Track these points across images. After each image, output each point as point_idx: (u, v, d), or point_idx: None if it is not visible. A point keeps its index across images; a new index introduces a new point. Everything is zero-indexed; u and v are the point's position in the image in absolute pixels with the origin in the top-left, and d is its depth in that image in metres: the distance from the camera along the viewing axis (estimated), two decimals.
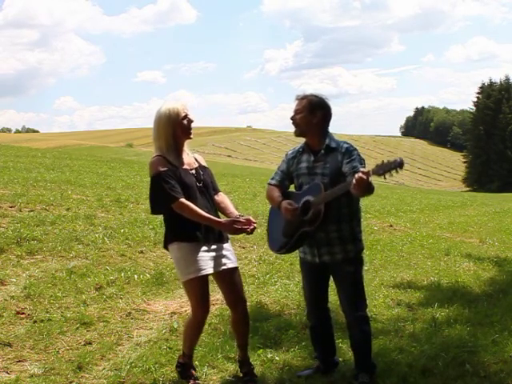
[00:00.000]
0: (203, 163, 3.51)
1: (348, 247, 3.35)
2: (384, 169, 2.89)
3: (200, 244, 3.27)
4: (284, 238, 3.40)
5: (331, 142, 3.35)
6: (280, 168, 3.55)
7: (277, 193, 3.46)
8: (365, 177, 2.86)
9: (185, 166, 3.34)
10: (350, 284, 3.39)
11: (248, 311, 3.49)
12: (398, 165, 2.87)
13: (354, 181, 2.89)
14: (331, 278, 3.53)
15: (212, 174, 3.54)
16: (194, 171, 3.38)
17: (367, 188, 2.92)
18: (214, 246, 3.33)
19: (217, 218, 3.29)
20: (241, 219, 3.23)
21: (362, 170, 2.93)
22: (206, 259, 3.27)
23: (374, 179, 2.92)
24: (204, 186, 3.39)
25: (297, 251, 3.53)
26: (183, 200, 3.20)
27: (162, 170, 3.22)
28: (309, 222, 3.23)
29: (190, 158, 3.43)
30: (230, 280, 3.39)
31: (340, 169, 3.24)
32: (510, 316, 4.78)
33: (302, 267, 3.59)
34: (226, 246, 3.41)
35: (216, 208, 3.45)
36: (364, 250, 3.52)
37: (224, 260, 3.35)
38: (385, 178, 2.93)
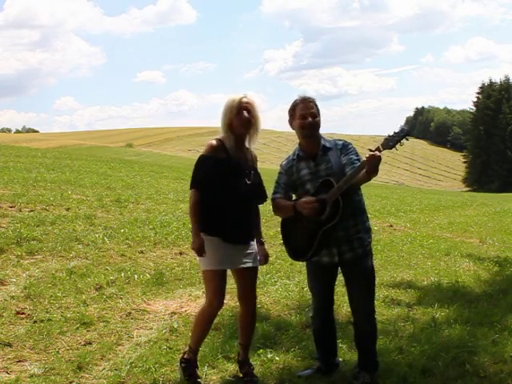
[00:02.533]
0: (255, 164, 3.52)
1: (364, 241, 3.39)
2: (393, 140, 3.00)
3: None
4: (306, 244, 3.32)
5: (325, 142, 3.39)
6: (280, 181, 3.48)
7: (286, 202, 3.40)
8: (376, 152, 2.94)
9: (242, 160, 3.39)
10: (366, 277, 3.44)
11: (256, 308, 3.55)
12: (406, 133, 2.98)
13: (365, 158, 2.95)
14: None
15: (261, 179, 3.53)
16: (247, 171, 3.41)
17: (378, 165, 2.98)
18: (238, 245, 3.36)
19: (198, 233, 3.27)
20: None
21: (370, 148, 3.00)
22: (227, 254, 3.32)
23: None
24: (251, 185, 3.40)
25: None
26: (196, 192, 3.28)
27: (208, 155, 3.31)
28: (330, 217, 3.18)
29: (249, 154, 3.46)
30: (246, 277, 3.46)
31: (342, 164, 3.28)
32: (510, 316, 4.78)
33: (313, 270, 3.54)
34: (251, 243, 3.44)
35: (254, 211, 3.48)
36: None
37: (245, 259, 3.39)
38: (396, 150, 3.03)
